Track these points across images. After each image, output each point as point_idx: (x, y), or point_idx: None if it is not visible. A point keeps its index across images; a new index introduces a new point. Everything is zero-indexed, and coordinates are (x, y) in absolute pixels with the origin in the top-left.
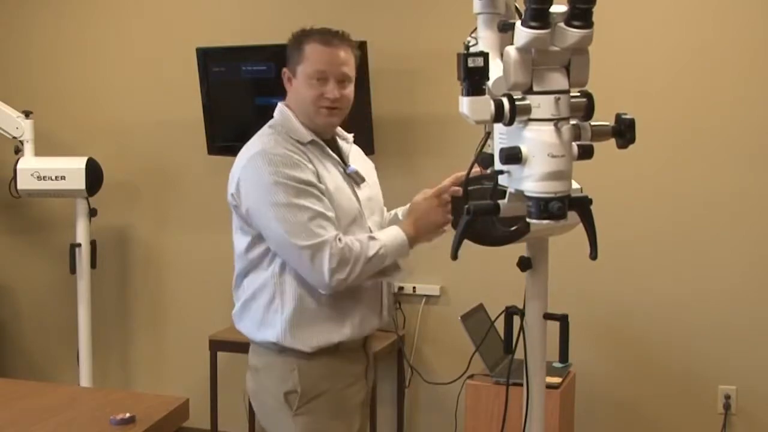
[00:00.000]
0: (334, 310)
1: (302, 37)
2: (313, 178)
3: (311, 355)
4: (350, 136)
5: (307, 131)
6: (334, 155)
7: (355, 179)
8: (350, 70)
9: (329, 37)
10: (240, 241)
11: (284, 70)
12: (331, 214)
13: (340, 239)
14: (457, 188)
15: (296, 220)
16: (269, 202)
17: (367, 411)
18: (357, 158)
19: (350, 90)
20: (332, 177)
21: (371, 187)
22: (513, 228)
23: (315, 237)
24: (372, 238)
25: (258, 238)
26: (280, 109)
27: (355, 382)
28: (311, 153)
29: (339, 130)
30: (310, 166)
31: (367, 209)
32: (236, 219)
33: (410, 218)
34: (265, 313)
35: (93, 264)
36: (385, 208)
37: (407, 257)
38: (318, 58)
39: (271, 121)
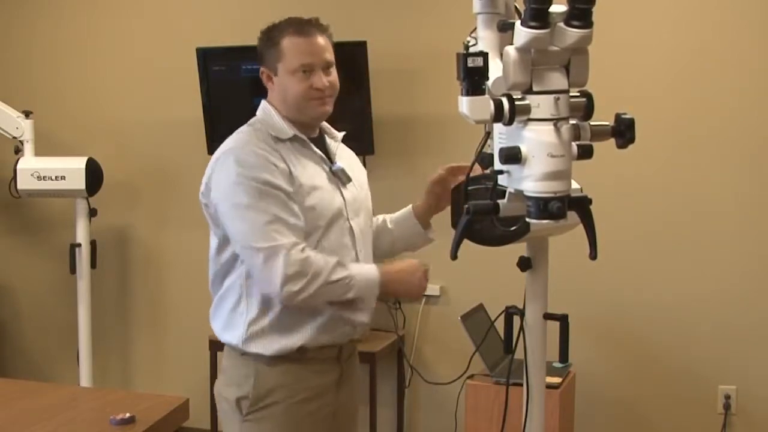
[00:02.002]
0: (300, 314)
1: (275, 32)
2: (280, 181)
3: (272, 360)
4: (339, 135)
5: (289, 127)
6: (318, 151)
7: (340, 177)
8: (331, 55)
9: (304, 26)
10: (212, 242)
11: (262, 69)
12: (294, 221)
13: (302, 249)
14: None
15: (255, 222)
16: (232, 202)
17: (346, 426)
18: (346, 159)
19: (335, 75)
20: (311, 174)
21: (359, 189)
22: (513, 228)
23: (271, 240)
24: (341, 264)
25: (225, 240)
26: (262, 106)
27: (320, 395)
28: (290, 150)
29: (327, 127)
30: (282, 165)
31: (351, 210)
32: (207, 219)
33: (393, 270)
34: (231, 315)
35: (93, 264)
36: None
37: (372, 303)
38: (299, 50)
39: (252, 119)
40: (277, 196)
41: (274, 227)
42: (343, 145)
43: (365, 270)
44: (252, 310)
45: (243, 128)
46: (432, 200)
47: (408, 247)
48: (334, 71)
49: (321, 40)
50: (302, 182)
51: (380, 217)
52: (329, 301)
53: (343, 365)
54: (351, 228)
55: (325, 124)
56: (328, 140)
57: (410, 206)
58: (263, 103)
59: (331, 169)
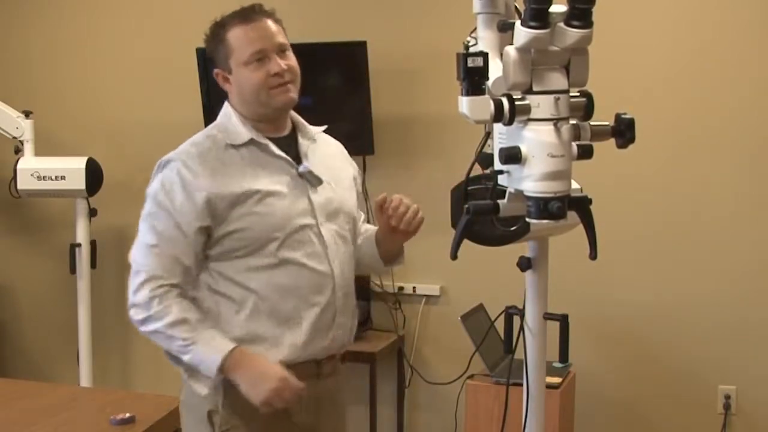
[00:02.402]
0: (271, 323)
1: (219, 29)
2: (181, 217)
3: None
4: (315, 130)
5: (247, 130)
6: (281, 154)
7: (309, 180)
8: (284, 38)
9: (248, 14)
10: None
11: (215, 72)
12: (176, 258)
13: (165, 290)
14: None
15: (144, 236)
16: (144, 210)
17: None
18: (323, 157)
19: (293, 59)
20: (268, 180)
21: (335, 190)
22: (513, 228)
23: (137, 263)
24: (186, 323)
25: None
26: (223, 110)
27: (285, 415)
28: (245, 156)
29: (302, 123)
30: (200, 194)
31: (322, 214)
32: None
33: (248, 364)
34: None
35: (93, 264)
36: (362, 218)
37: (210, 383)
38: (247, 39)
39: (213, 123)
40: (168, 222)
41: (153, 251)
42: (324, 141)
43: (215, 346)
44: (216, 320)
45: (198, 135)
46: (382, 229)
47: (368, 270)
48: (291, 55)
49: (269, 23)
50: (256, 188)
51: (370, 228)
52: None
53: (322, 380)
54: (321, 234)
55: (299, 120)
56: (301, 139)
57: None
58: (224, 106)
59: (297, 171)
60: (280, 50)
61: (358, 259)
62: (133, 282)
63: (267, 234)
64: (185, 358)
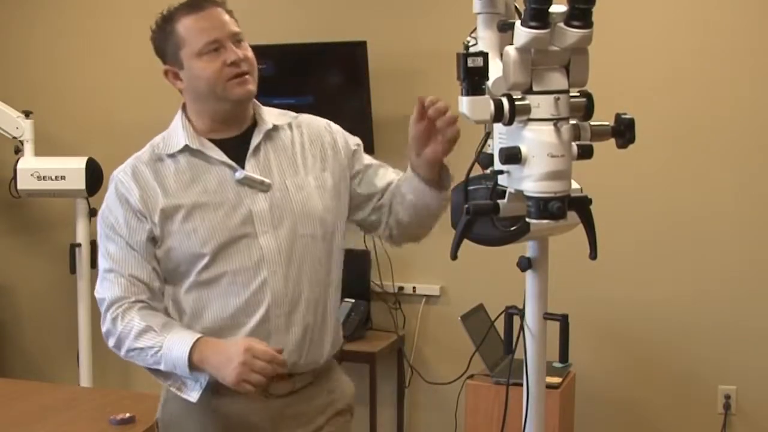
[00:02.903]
0: (221, 328)
1: (167, 22)
2: (122, 228)
3: None
4: (269, 124)
5: (184, 135)
6: (218, 158)
7: (252, 186)
8: (238, 27)
9: (197, 2)
10: None
11: (165, 69)
12: (131, 272)
13: (126, 307)
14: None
15: (101, 265)
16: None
17: None
18: (292, 151)
19: (249, 50)
20: (195, 193)
21: (288, 191)
22: (513, 228)
23: (102, 291)
24: (150, 330)
25: None
26: (178, 112)
27: None
28: (180, 164)
29: (260, 115)
30: (134, 202)
31: (262, 222)
32: None
33: (210, 349)
34: None
35: (93, 264)
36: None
37: (196, 384)
38: (199, 28)
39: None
40: (117, 242)
41: (109, 276)
42: (297, 130)
43: (180, 344)
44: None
45: (148, 144)
46: (415, 144)
47: (423, 212)
48: (246, 45)
49: (220, 12)
50: (179, 203)
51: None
52: (149, 369)
53: (276, 402)
54: (260, 246)
55: (260, 112)
56: (253, 139)
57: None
58: (179, 110)
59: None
60: (235, 40)
61: (412, 206)
62: (101, 314)
63: (193, 252)
64: (161, 366)
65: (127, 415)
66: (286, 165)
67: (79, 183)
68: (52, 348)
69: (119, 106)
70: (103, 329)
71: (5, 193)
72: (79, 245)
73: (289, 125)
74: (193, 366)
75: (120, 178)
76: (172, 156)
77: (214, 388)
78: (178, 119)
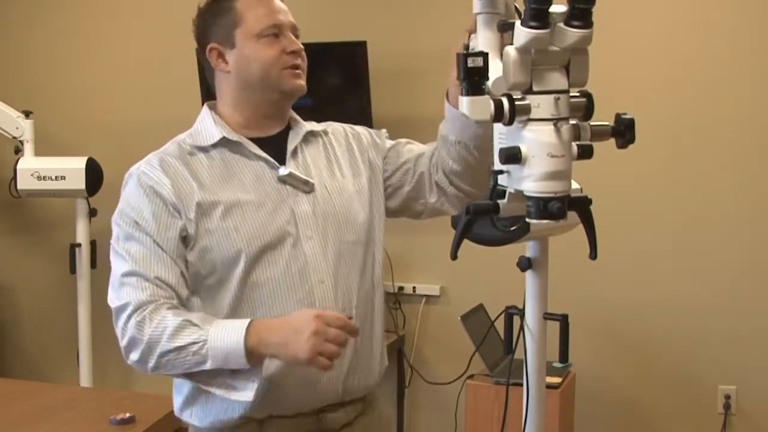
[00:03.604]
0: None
1: None
2: (150, 224)
3: None
4: (308, 126)
5: (218, 128)
6: (260, 154)
7: (294, 185)
8: (293, 19)
9: None
10: None
11: (210, 47)
12: (157, 273)
13: (152, 309)
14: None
15: (116, 270)
16: (112, 240)
17: None
18: (316, 156)
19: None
20: (239, 187)
21: (331, 194)
22: (513, 228)
23: (120, 299)
24: (190, 325)
25: None
26: (201, 112)
27: None
28: (213, 159)
29: (294, 118)
30: (166, 194)
31: (306, 226)
32: None
33: (271, 328)
34: (177, 378)
35: (93, 264)
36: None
37: (251, 378)
38: (263, 8)
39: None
40: (142, 240)
41: (130, 281)
42: (327, 135)
43: (229, 332)
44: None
45: (166, 145)
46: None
47: (472, 145)
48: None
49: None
50: (216, 199)
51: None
52: (188, 374)
53: None
54: (304, 252)
55: (294, 116)
56: (290, 138)
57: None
58: (203, 108)
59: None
60: (293, 30)
61: (459, 145)
62: (118, 327)
63: (232, 253)
64: (208, 365)
65: (127, 415)
66: (324, 169)
67: (79, 183)
68: (52, 348)
69: (119, 106)
70: (124, 341)
71: (5, 193)
72: (79, 245)
73: (324, 132)
74: (249, 354)
75: (144, 170)
76: (204, 150)
77: (260, 424)
78: (207, 115)
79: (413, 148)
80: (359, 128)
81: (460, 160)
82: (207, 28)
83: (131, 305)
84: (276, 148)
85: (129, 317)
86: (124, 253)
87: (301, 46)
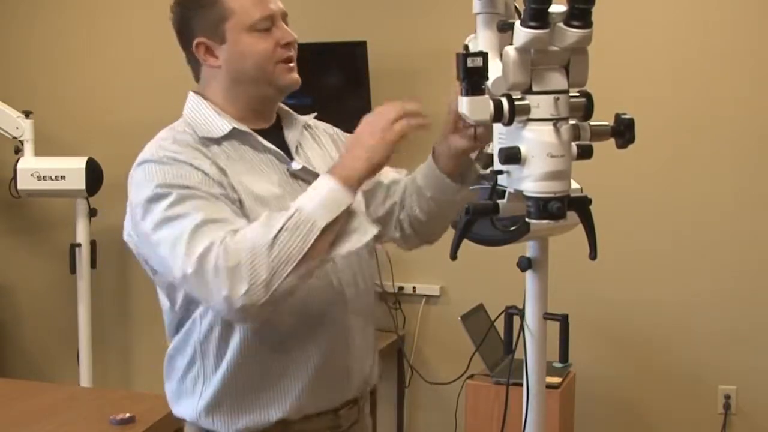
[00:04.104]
0: (275, 374)
1: None
2: (209, 187)
3: None
4: (303, 119)
5: (227, 120)
6: (271, 146)
7: (305, 179)
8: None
9: None
10: (160, 296)
11: (198, 41)
12: (223, 215)
13: (221, 242)
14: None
15: (175, 236)
16: (149, 225)
17: None
18: (316, 149)
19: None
20: (256, 181)
21: None
22: (512, 228)
23: (195, 252)
24: (270, 214)
25: (171, 291)
26: (189, 100)
27: None
28: (225, 152)
29: (286, 111)
30: (213, 170)
31: None
32: (146, 269)
33: (349, 146)
34: (182, 381)
35: (93, 264)
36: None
37: (356, 210)
38: (254, 0)
39: (175, 122)
40: (204, 197)
41: (201, 231)
42: (316, 129)
43: (312, 190)
44: (209, 373)
45: (161, 133)
46: (448, 130)
47: (445, 208)
48: (291, 28)
49: None
50: (240, 192)
51: (411, 177)
52: (308, 259)
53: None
54: None
55: (284, 108)
56: (287, 132)
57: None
58: (191, 96)
59: (288, 169)
60: (284, 18)
61: (432, 202)
62: (208, 279)
63: None
64: (318, 224)
65: (127, 415)
66: (322, 162)
67: (79, 183)
68: (52, 348)
69: (119, 106)
70: (225, 283)
71: (5, 193)
72: (79, 245)
73: (315, 125)
74: (346, 186)
75: (178, 150)
76: (216, 142)
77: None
78: (204, 106)
79: (386, 171)
80: (337, 130)
81: (428, 213)
82: (190, 21)
83: (214, 245)
84: (275, 141)
85: (217, 258)
86: (179, 213)
87: (295, 36)
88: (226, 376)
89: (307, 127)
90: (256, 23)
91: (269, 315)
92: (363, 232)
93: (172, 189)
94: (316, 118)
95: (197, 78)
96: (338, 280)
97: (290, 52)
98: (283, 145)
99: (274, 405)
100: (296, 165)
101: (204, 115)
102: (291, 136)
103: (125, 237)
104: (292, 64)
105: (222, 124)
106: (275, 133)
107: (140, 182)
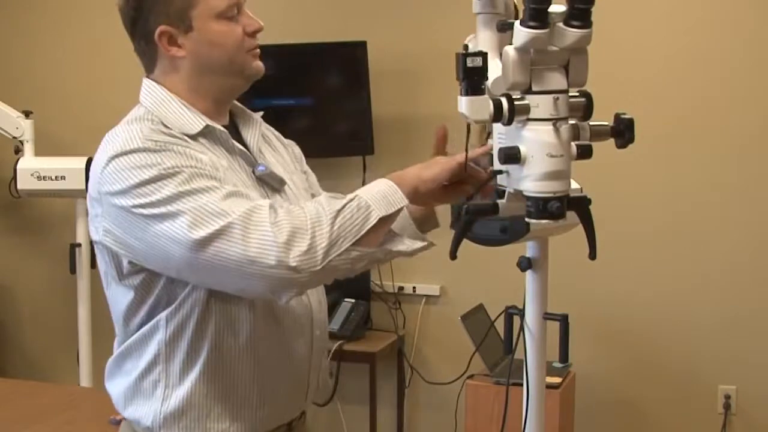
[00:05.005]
0: (245, 391)
1: None
2: (204, 162)
3: None
4: (256, 115)
5: (195, 116)
6: (241, 148)
7: (269, 183)
8: None
9: None
10: (117, 297)
11: (162, 30)
12: (246, 192)
13: (281, 206)
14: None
15: (199, 205)
16: (152, 204)
17: None
18: (270, 151)
19: None
20: (234, 179)
21: (295, 192)
22: (502, 229)
23: (234, 212)
24: (316, 201)
25: (143, 291)
26: (147, 90)
27: None
28: (203, 147)
29: (241, 108)
30: (202, 156)
31: None
32: (105, 266)
33: (408, 171)
34: (138, 382)
35: (93, 264)
36: None
37: (405, 216)
38: None
39: (129, 114)
40: (218, 178)
41: (234, 199)
42: (263, 129)
43: (371, 186)
44: (173, 378)
45: (126, 126)
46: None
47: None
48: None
49: None
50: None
51: None
52: (362, 244)
53: None
54: None
55: (236, 105)
56: (244, 131)
57: None
58: (147, 84)
59: (254, 172)
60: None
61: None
62: (260, 231)
63: None
64: (374, 214)
65: None
66: (279, 162)
67: (79, 183)
68: (52, 348)
69: (119, 106)
70: (283, 235)
71: (5, 193)
72: (79, 245)
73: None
74: (402, 187)
75: (153, 138)
76: (193, 138)
77: None
78: (170, 98)
79: (314, 181)
80: (277, 133)
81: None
82: (151, 8)
83: (264, 205)
84: (236, 141)
85: (272, 214)
86: (201, 186)
87: (261, 24)
88: (194, 384)
89: (263, 128)
90: (225, 10)
91: (311, 286)
92: (414, 239)
93: (180, 168)
94: (316, 122)
95: (150, 69)
96: (306, 292)
97: (256, 40)
98: (243, 146)
99: (244, 417)
100: (262, 168)
101: (173, 109)
102: (250, 136)
103: (98, 237)
104: (258, 51)
105: (195, 121)
106: (234, 132)
107: (129, 168)
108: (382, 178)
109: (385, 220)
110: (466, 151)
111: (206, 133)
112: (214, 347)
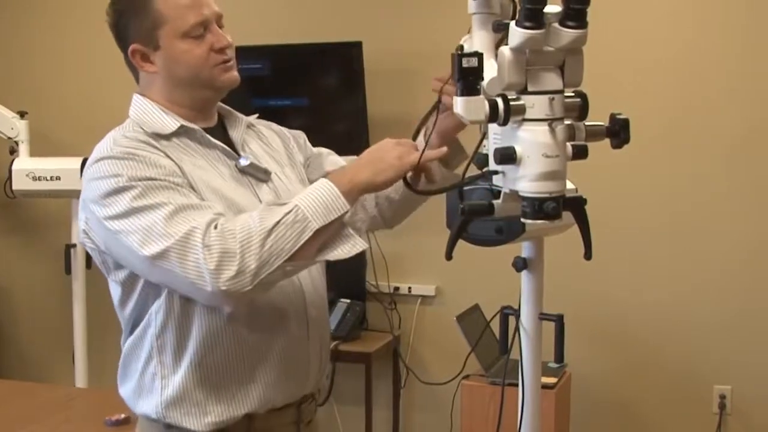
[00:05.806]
0: (237, 372)
1: None
2: (165, 174)
3: None
4: (246, 118)
5: (171, 118)
6: (217, 143)
7: (254, 175)
8: (218, 7)
9: None
10: (111, 291)
11: (132, 48)
12: (196, 202)
13: (215, 225)
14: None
15: (147, 224)
16: (114, 218)
17: None
18: (260, 146)
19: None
20: (210, 175)
21: (285, 181)
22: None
23: (175, 233)
24: (268, 206)
25: (128, 286)
26: (134, 102)
27: None
28: (177, 148)
29: (228, 110)
30: (168, 163)
31: None
32: (98, 263)
33: (354, 165)
34: (140, 379)
35: (88, 264)
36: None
37: (350, 216)
38: (186, 5)
39: (119, 126)
40: (171, 188)
41: (178, 217)
42: (259, 127)
43: (311, 191)
44: (168, 368)
45: (110, 134)
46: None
47: (406, 210)
48: (226, 29)
49: None
50: (197, 184)
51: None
52: (296, 258)
53: (300, 427)
54: None
55: (224, 107)
56: (230, 131)
57: None
58: (134, 98)
59: (236, 165)
60: (218, 20)
61: (393, 205)
62: (191, 258)
63: None
64: (312, 225)
65: (122, 416)
66: (269, 158)
67: (75, 183)
68: (47, 348)
69: (114, 106)
70: (213, 261)
71: (0, 193)
72: (75, 246)
73: (257, 124)
74: (345, 193)
75: (132, 145)
76: (166, 138)
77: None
78: (150, 105)
79: (336, 160)
80: (281, 127)
81: (394, 209)
82: (125, 27)
83: (200, 226)
84: (220, 139)
85: (205, 234)
86: (151, 203)
87: (230, 40)
88: (188, 370)
89: (250, 125)
90: (189, 30)
91: (249, 299)
92: (352, 245)
93: (135, 182)
94: (312, 121)
95: (137, 81)
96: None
97: (225, 55)
98: (228, 143)
99: (240, 398)
100: (244, 161)
101: (151, 113)
102: (235, 134)
103: (81, 240)
104: (229, 64)
105: (170, 122)
106: (220, 132)
107: (98, 178)
108: (326, 179)
109: (322, 231)
110: (426, 140)
111: (181, 132)
112: (201, 331)
